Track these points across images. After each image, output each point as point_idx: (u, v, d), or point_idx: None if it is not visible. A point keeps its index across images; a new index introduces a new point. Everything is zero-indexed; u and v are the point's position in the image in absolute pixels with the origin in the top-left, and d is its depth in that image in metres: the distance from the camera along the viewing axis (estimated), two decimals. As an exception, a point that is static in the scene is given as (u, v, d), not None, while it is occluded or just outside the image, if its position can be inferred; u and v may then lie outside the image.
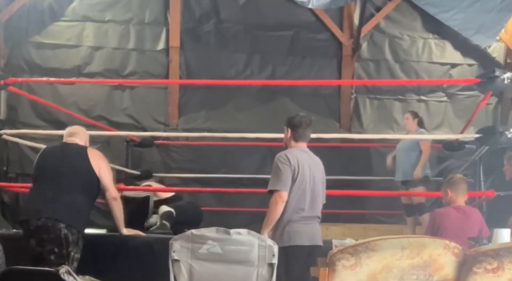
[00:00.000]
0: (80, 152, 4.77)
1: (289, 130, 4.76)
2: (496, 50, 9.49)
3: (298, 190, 4.55)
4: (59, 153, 4.84)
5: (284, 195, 4.46)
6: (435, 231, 4.94)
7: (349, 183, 8.43)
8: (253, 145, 8.07)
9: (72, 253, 4.50)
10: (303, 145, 4.75)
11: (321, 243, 4.68)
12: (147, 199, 6.00)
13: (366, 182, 8.67)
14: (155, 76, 9.07)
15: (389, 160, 7.80)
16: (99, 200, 5.02)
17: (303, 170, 4.57)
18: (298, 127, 4.73)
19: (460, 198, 5.07)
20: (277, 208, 4.46)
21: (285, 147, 4.77)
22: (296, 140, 4.74)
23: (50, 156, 4.88)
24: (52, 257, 4.44)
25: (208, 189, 6.34)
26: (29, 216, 4.60)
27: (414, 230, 7.28)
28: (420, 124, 7.55)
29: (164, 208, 5.97)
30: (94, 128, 7.24)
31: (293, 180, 4.53)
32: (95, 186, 4.71)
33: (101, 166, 4.74)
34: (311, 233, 4.64)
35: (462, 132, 7.08)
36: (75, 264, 4.48)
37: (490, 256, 3.50)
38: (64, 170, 4.66)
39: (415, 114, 7.66)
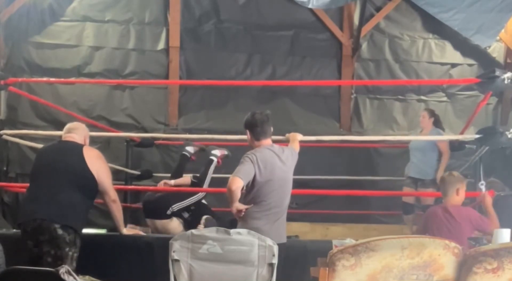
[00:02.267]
0: (76, 151, 4.68)
1: (248, 131, 4.75)
2: (496, 50, 9.49)
3: (264, 188, 4.55)
4: (55, 151, 4.78)
5: (238, 180, 4.44)
6: (425, 230, 4.96)
7: (349, 183, 8.44)
8: (253, 145, 8.09)
9: (71, 253, 4.48)
10: (267, 142, 4.72)
11: (285, 240, 4.67)
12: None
13: (366, 182, 8.67)
14: (155, 76, 9.06)
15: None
16: (98, 201, 5.00)
17: (271, 170, 4.57)
18: (255, 126, 4.72)
19: (450, 196, 5.04)
20: (232, 191, 4.45)
21: (252, 148, 4.75)
22: (257, 139, 4.72)
23: (45, 155, 4.84)
24: (49, 258, 4.43)
25: (208, 189, 6.32)
26: (25, 218, 4.59)
27: (412, 229, 7.26)
28: (436, 123, 7.48)
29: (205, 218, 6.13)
30: (94, 129, 7.24)
31: (259, 179, 4.54)
32: (92, 185, 4.65)
33: (99, 168, 4.67)
34: (278, 231, 4.62)
35: (462, 132, 7.07)
36: (74, 264, 4.46)
37: (490, 256, 3.51)
38: (59, 169, 4.60)
39: (431, 113, 7.57)
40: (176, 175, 6.86)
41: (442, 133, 7.49)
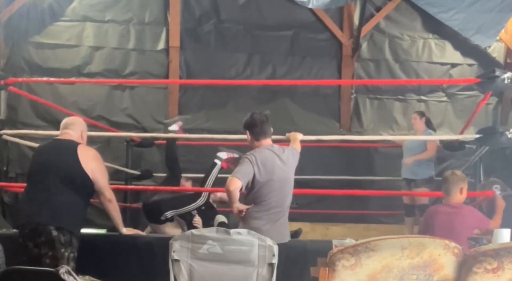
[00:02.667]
0: (70, 151, 4.58)
1: (247, 132, 4.75)
2: (496, 50, 9.50)
3: (264, 188, 4.55)
4: (49, 152, 4.70)
5: (236, 181, 4.44)
6: (426, 228, 4.96)
7: (349, 183, 8.43)
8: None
9: (66, 254, 4.44)
10: (267, 142, 4.72)
11: (286, 240, 4.68)
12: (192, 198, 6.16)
13: (366, 182, 8.67)
14: (155, 76, 9.07)
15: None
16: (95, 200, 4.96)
17: (271, 170, 4.57)
18: (254, 126, 4.71)
19: (453, 195, 5.04)
20: (230, 192, 4.46)
21: (252, 149, 4.74)
22: (257, 139, 4.71)
23: (40, 155, 4.77)
24: (47, 259, 4.40)
25: (208, 189, 6.31)
26: (22, 221, 4.57)
27: (412, 231, 7.28)
28: (428, 124, 7.55)
29: (220, 218, 6.07)
30: (94, 128, 7.24)
31: (259, 179, 4.54)
32: (87, 185, 4.57)
33: (94, 168, 4.57)
34: (279, 230, 4.63)
35: (462, 132, 7.07)
36: (72, 264, 4.42)
37: (490, 256, 3.50)
38: (53, 169, 4.52)
39: (421, 114, 7.66)
40: (168, 160, 6.79)
41: (433, 134, 7.57)
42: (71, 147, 4.62)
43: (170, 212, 6.04)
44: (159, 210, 6.03)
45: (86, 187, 4.59)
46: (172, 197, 6.28)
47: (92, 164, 4.59)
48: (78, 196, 4.56)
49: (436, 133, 7.79)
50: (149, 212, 6.19)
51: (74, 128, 4.78)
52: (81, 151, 4.59)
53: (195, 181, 7.23)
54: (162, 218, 6.02)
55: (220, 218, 6.17)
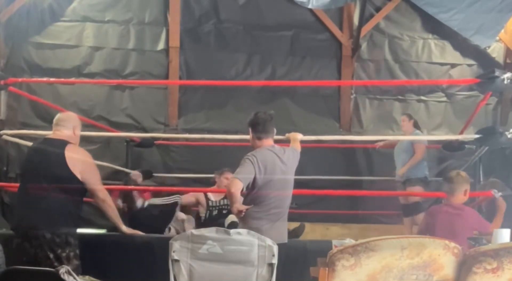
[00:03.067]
0: (58, 152, 4.45)
1: (250, 130, 4.74)
2: (496, 50, 9.50)
3: (265, 189, 4.56)
4: (38, 153, 4.60)
5: (238, 182, 4.45)
6: (427, 228, 4.96)
7: (349, 183, 8.45)
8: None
9: (64, 254, 4.40)
10: (269, 142, 4.71)
11: (285, 241, 4.69)
12: (174, 205, 6.17)
13: (366, 182, 8.68)
14: (155, 77, 9.07)
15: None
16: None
17: (272, 171, 4.58)
18: (257, 124, 4.71)
19: (456, 196, 5.04)
20: (231, 194, 4.48)
21: (253, 149, 4.74)
22: (259, 138, 4.71)
23: (30, 157, 4.71)
24: (46, 260, 4.36)
25: (208, 189, 6.34)
26: (15, 224, 4.56)
27: (411, 231, 7.30)
28: (416, 125, 7.63)
29: (231, 218, 6.11)
30: (94, 129, 7.24)
31: (259, 180, 4.54)
32: (77, 187, 4.47)
33: (82, 170, 4.46)
34: (279, 231, 4.64)
35: (462, 132, 7.08)
36: (75, 262, 4.40)
37: (489, 256, 3.50)
38: (41, 172, 4.45)
39: (410, 116, 7.79)
40: None
41: (421, 135, 7.71)
42: (60, 147, 4.49)
43: (167, 227, 6.11)
44: (160, 230, 6.08)
45: (76, 188, 4.49)
46: (161, 216, 6.27)
47: (80, 165, 4.47)
48: (69, 197, 4.47)
49: (422, 134, 7.86)
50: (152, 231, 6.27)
51: (66, 124, 4.65)
52: (69, 152, 4.47)
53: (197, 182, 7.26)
54: (164, 233, 6.08)
55: (232, 217, 6.19)
